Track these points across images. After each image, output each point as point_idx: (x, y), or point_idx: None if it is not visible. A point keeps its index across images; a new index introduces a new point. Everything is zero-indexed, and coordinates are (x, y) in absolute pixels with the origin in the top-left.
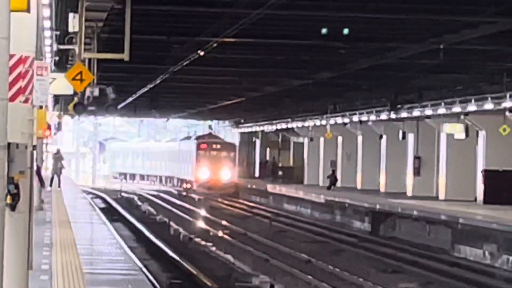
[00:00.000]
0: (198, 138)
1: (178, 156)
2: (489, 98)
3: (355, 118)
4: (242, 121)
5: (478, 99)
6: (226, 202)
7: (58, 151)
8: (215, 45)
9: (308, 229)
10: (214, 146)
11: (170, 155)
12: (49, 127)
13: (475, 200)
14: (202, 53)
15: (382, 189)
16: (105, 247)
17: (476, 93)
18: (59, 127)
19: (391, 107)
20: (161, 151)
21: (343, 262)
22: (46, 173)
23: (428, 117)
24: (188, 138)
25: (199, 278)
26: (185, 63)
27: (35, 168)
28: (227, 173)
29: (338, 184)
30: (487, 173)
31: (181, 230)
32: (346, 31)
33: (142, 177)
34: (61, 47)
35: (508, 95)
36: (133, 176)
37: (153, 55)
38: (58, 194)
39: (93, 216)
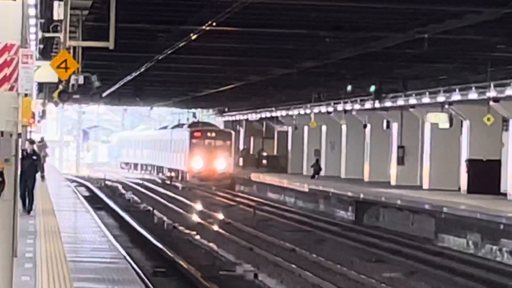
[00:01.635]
0: (191, 125)
1: (170, 145)
2: (473, 88)
3: (339, 107)
4: (226, 109)
5: (462, 88)
6: (210, 191)
7: (42, 139)
8: (199, 33)
9: (292, 218)
10: (208, 134)
11: (161, 144)
12: (33, 115)
13: (459, 189)
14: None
15: (366, 178)
16: (89, 235)
17: (460, 82)
18: (43, 115)
19: (375, 96)
20: (152, 139)
21: (327, 251)
22: None
23: (412, 106)
24: (181, 125)
25: (182, 266)
26: (169, 52)
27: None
28: (223, 163)
29: (322, 173)
30: (471, 163)
31: (165, 218)
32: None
33: (141, 167)
34: (46, 35)
35: (492, 85)
36: (135, 166)
37: (137, 43)
38: (42, 182)
39: (77, 204)
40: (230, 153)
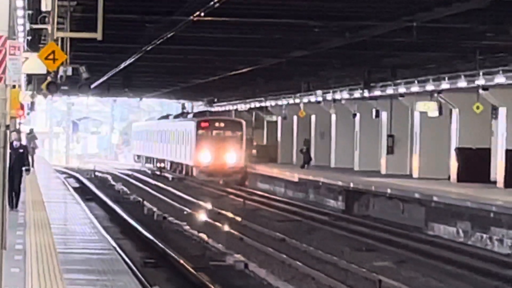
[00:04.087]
0: (197, 115)
1: (173, 136)
2: (462, 76)
3: (329, 97)
4: (215, 100)
5: (451, 77)
6: (199, 181)
7: (31, 131)
8: (188, 24)
9: (282, 208)
10: (217, 124)
11: (163, 136)
12: (22, 107)
13: (449, 178)
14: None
15: (356, 168)
16: (79, 226)
17: (449, 71)
18: (32, 107)
19: (364, 85)
20: (153, 130)
21: (317, 240)
22: None
23: (401, 95)
24: (184, 114)
25: (173, 257)
26: (158, 42)
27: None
28: (233, 156)
29: (312, 162)
30: (460, 151)
31: (155, 209)
32: None
33: (147, 159)
34: (34, 26)
35: (481, 73)
36: (143, 159)
37: (126, 34)
38: (32, 174)
39: (66, 196)
40: (241, 145)
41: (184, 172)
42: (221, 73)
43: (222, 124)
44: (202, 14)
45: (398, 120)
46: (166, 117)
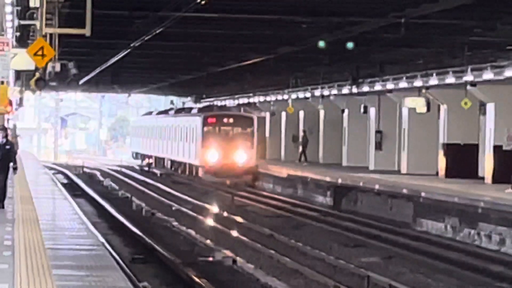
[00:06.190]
0: (203, 109)
1: (176, 133)
2: (450, 72)
3: (317, 93)
4: (203, 96)
5: (439, 73)
6: (187, 177)
7: (14, 126)
8: (176, 20)
9: (271, 203)
10: (225, 120)
11: (164, 132)
12: (10, 103)
13: (437, 174)
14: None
15: (344, 163)
16: (67, 222)
17: (437, 67)
18: (20, 102)
19: (352, 81)
20: (152, 125)
21: (306, 236)
22: None
23: (389, 91)
24: (186, 109)
25: (161, 252)
26: (146, 38)
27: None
28: (243, 155)
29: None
30: (448, 147)
31: (143, 205)
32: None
33: (143, 157)
34: (23, 22)
35: (469, 69)
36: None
37: (114, 30)
38: (20, 170)
39: (55, 192)
40: (251, 143)
41: (187, 172)
42: (209, 69)
43: (231, 120)
44: (191, 10)
45: (386, 116)
46: (166, 112)
